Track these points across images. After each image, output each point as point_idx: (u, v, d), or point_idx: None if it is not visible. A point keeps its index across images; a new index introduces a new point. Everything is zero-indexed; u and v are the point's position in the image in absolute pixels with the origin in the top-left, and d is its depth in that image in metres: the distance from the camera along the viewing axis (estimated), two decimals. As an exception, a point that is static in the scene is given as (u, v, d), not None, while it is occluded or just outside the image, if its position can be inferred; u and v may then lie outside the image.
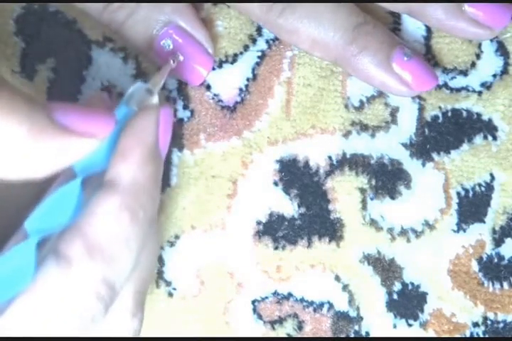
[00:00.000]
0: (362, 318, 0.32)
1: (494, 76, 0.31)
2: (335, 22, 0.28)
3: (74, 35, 0.31)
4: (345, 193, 0.32)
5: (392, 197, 0.32)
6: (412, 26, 0.31)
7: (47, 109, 0.22)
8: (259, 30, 0.31)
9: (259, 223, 0.32)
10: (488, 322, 0.32)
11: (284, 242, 0.32)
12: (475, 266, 0.32)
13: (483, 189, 0.31)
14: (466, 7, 0.28)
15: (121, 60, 0.31)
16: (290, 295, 0.32)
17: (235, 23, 0.31)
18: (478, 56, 0.31)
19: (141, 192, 0.24)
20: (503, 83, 0.31)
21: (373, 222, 0.32)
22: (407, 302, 0.32)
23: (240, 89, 0.31)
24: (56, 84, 0.31)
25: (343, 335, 0.32)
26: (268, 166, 0.32)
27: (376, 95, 0.31)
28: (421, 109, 0.31)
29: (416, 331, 0.32)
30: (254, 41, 0.31)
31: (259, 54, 0.31)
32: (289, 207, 0.32)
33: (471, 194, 0.31)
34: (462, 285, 0.32)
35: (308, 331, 0.32)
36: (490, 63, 0.31)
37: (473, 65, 0.31)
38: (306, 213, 0.32)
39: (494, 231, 0.32)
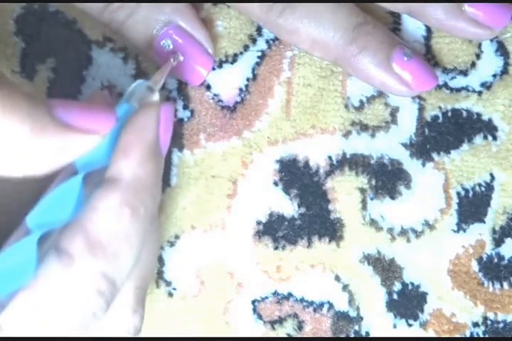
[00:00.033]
0: (362, 318, 0.32)
1: (494, 76, 0.31)
2: (335, 22, 0.28)
3: (74, 35, 0.31)
4: (345, 193, 0.32)
5: (392, 197, 0.32)
6: (412, 26, 0.31)
7: (48, 106, 0.22)
8: (259, 30, 0.31)
9: (259, 223, 0.32)
10: (488, 322, 0.32)
11: (284, 242, 0.32)
12: (475, 266, 0.32)
13: (483, 189, 0.31)
14: (466, 7, 0.28)
15: (121, 60, 0.31)
16: (290, 295, 0.32)
17: (235, 23, 0.31)
18: (478, 56, 0.31)
19: (142, 189, 0.24)
20: (503, 83, 0.31)
21: (373, 222, 0.32)
22: (407, 302, 0.32)
23: (240, 89, 0.31)
24: (56, 84, 0.31)
25: (343, 335, 0.32)
26: (268, 166, 0.32)
27: (376, 95, 0.31)
28: (421, 109, 0.31)
29: (416, 331, 0.32)
30: (254, 41, 0.31)
31: (259, 54, 0.31)
32: (289, 207, 0.32)
33: (471, 194, 0.32)
34: (462, 285, 0.32)
35: (308, 331, 0.32)
36: (490, 63, 0.31)
37: (473, 65, 0.31)
38: (306, 213, 0.32)
39: (494, 231, 0.32)
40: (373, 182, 0.32)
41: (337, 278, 0.32)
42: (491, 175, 0.31)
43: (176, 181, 0.32)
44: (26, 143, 0.21)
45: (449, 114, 0.31)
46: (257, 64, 0.31)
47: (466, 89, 0.31)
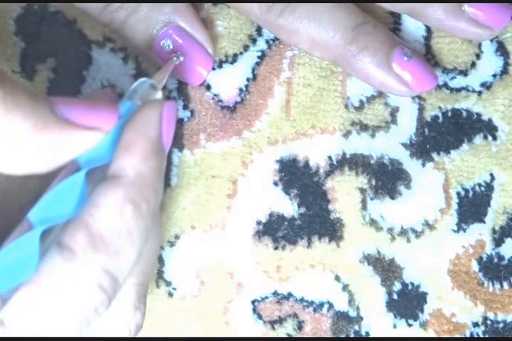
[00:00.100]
0: (362, 318, 0.32)
1: (494, 76, 0.31)
2: (335, 22, 0.28)
3: (74, 35, 0.31)
4: (345, 193, 0.32)
5: (392, 197, 0.32)
6: (412, 26, 0.31)
7: (50, 103, 0.22)
8: (259, 30, 0.31)
9: (259, 223, 0.32)
10: (488, 322, 0.32)
11: (284, 242, 0.32)
12: (475, 266, 0.32)
13: (483, 189, 0.31)
14: (466, 7, 0.28)
15: (121, 60, 0.31)
16: (290, 295, 0.32)
17: (235, 23, 0.31)
18: (478, 56, 0.31)
19: (145, 186, 0.24)
20: (503, 83, 0.31)
21: (373, 222, 0.32)
22: (407, 302, 0.32)
23: (240, 89, 0.31)
24: (56, 84, 0.31)
25: (343, 335, 0.32)
26: (268, 166, 0.32)
27: (376, 95, 0.31)
28: (421, 109, 0.31)
29: (416, 331, 0.32)
30: (254, 41, 0.31)
31: (259, 54, 0.31)
32: (289, 207, 0.32)
33: (471, 194, 0.32)
34: (462, 285, 0.32)
35: (308, 331, 0.32)
36: (490, 63, 0.31)
37: (473, 65, 0.31)
38: (306, 213, 0.32)
39: (494, 231, 0.32)
40: (373, 182, 0.32)
41: (337, 278, 0.32)
42: (491, 175, 0.31)
43: (176, 181, 0.32)
44: (29, 140, 0.21)
45: (449, 114, 0.31)
46: (257, 64, 0.31)
47: (466, 89, 0.31)
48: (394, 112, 0.31)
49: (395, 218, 0.32)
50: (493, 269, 0.32)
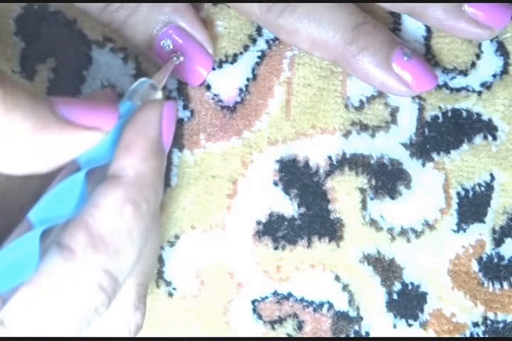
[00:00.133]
0: (362, 318, 0.32)
1: (494, 76, 0.31)
2: (335, 22, 0.28)
3: (74, 35, 0.31)
4: (345, 193, 0.32)
5: (392, 197, 0.32)
6: (412, 26, 0.31)
7: (50, 103, 0.22)
8: (259, 30, 0.31)
9: (259, 223, 0.32)
10: (488, 322, 0.32)
11: (284, 242, 0.32)
12: (475, 266, 0.32)
13: (483, 189, 0.31)
14: (466, 7, 0.28)
15: (121, 60, 0.31)
16: (290, 295, 0.32)
17: (235, 23, 0.31)
18: (478, 56, 0.31)
19: (145, 186, 0.24)
20: (503, 83, 0.31)
21: (373, 222, 0.32)
22: (407, 302, 0.32)
23: (240, 89, 0.31)
24: (56, 84, 0.31)
25: (343, 335, 0.32)
26: (268, 166, 0.32)
27: (376, 95, 0.31)
28: (421, 109, 0.31)
29: (416, 331, 0.32)
30: (254, 41, 0.31)
31: (259, 54, 0.31)
32: (289, 207, 0.32)
33: (471, 194, 0.32)
34: (462, 285, 0.32)
35: (308, 331, 0.32)
36: (490, 63, 0.31)
37: (473, 65, 0.31)
38: (306, 213, 0.32)
39: (494, 231, 0.32)
40: (373, 182, 0.32)
41: (337, 278, 0.32)
42: (491, 175, 0.31)
43: (176, 181, 0.32)
44: (29, 140, 0.21)
45: (449, 114, 0.31)
46: (257, 64, 0.31)
47: (466, 89, 0.31)
48: (394, 112, 0.31)
49: (395, 218, 0.32)
50: (493, 269, 0.32)
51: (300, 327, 0.32)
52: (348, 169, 0.32)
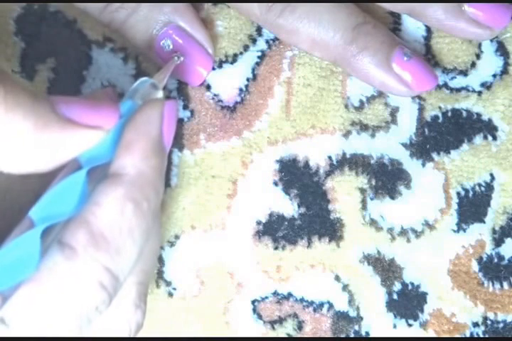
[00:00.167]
0: (362, 318, 0.32)
1: (494, 76, 0.31)
2: (335, 22, 0.28)
3: (74, 35, 0.31)
4: (345, 193, 0.32)
5: (392, 197, 0.32)
6: (412, 26, 0.31)
7: (51, 102, 0.22)
8: (259, 30, 0.31)
9: (259, 223, 0.32)
10: (488, 322, 0.32)
11: (284, 242, 0.32)
12: (475, 266, 0.32)
13: (483, 189, 0.31)
14: (466, 7, 0.28)
15: (121, 60, 0.31)
16: (290, 295, 0.32)
17: (235, 23, 0.31)
18: (478, 56, 0.31)
19: (146, 184, 0.24)
20: (503, 83, 0.31)
21: (373, 222, 0.32)
22: (407, 302, 0.32)
23: (240, 89, 0.31)
24: (56, 84, 0.31)
25: (343, 335, 0.32)
26: (268, 166, 0.32)
27: (376, 95, 0.31)
28: (421, 109, 0.31)
29: (416, 331, 0.32)
30: (254, 41, 0.31)
31: (259, 54, 0.31)
32: (289, 207, 0.32)
33: (471, 194, 0.32)
34: (462, 285, 0.32)
35: (308, 331, 0.32)
36: (490, 63, 0.31)
37: (473, 65, 0.31)
38: (306, 213, 0.32)
39: (494, 231, 0.32)
40: (373, 182, 0.32)
41: (337, 278, 0.32)
42: (491, 175, 0.31)
43: (176, 181, 0.32)
44: (30, 139, 0.22)
45: (449, 114, 0.31)
46: (257, 64, 0.31)
47: (466, 89, 0.31)
48: (394, 112, 0.31)
49: (395, 218, 0.32)
50: (493, 269, 0.32)
51: (300, 327, 0.32)
52: (348, 169, 0.32)
